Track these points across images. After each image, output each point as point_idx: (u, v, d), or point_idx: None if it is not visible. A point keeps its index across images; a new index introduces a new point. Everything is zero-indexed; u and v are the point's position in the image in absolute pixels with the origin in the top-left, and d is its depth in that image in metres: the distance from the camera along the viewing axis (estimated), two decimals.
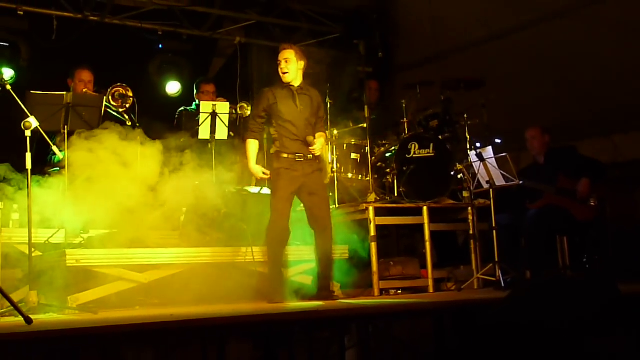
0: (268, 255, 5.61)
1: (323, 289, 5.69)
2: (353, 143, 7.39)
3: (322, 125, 5.98)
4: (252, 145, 5.75)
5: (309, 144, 5.64)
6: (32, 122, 5.06)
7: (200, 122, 6.65)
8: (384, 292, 6.57)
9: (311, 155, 5.68)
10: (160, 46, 8.87)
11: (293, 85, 5.76)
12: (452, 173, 7.18)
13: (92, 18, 8.41)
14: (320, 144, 5.75)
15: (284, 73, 5.74)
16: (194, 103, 7.38)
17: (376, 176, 7.17)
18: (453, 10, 8.78)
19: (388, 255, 6.95)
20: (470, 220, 7.02)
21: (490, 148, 6.37)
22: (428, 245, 6.77)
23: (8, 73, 7.46)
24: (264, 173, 5.72)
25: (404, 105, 7.44)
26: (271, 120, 5.75)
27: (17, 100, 5.26)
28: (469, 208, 7.04)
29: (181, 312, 4.53)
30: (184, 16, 8.84)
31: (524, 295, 3.71)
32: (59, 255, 5.29)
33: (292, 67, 5.75)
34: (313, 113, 5.79)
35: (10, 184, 5.68)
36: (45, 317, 4.76)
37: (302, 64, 5.81)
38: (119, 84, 6.71)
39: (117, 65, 7.77)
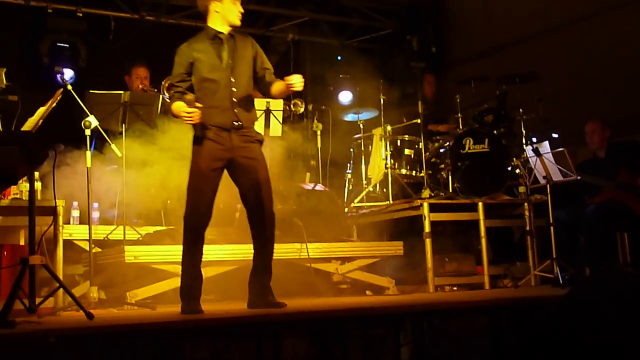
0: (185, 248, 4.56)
1: (261, 295, 4.51)
2: (407, 139, 7.38)
3: None
4: None
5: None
6: (92, 121, 5.18)
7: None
8: (439, 288, 6.54)
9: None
10: None
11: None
12: (508, 168, 7.08)
13: (148, 18, 8.56)
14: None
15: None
16: None
17: (430, 172, 7.14)
18: (507, 3, 8.65)
19: (443, 252, 6.90)
20: (526, 216, 6.92)
21: (547, 143, 6.25)
22: (484, 241, 6.70)
23: (68, 73, 7.63)
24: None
25: (458, 100, 7.38)
26: None
27: (77, 100, 5.38)
28: (525, 204, 6.93)
29: (237, 309, 4.58)
30: None
31: (585, 293, 3.63)
32: (117, 252, 5.39)
33: None
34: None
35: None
36: (106, 312, 4.86)
37: None
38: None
39: (173, 63, 7.87)
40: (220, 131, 4.49)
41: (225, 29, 4.62)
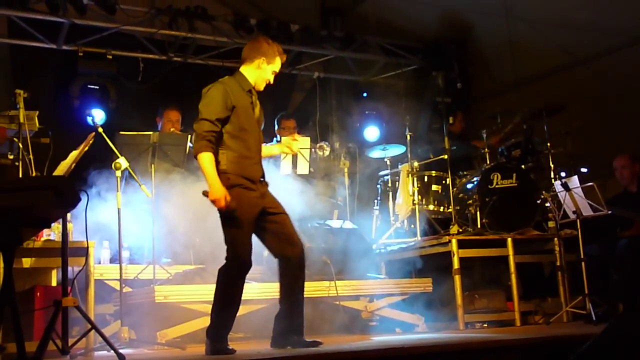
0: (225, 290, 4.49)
1: (295, 333, 4.53)
2: (434, 175, 7.37)
3: None
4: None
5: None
6: (122, 162, 5.25)
7: (282, 157, 6.74)
8: (469, 325, 6.46)
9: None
10: None
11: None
12: (537, 203, 7.03)
13: (176, 59, 8.71)
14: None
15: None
16: (274, 139, 7.49)
17: (458, 207, 7.10)
18: (533, 38, 8.65)
19: (472, 288, 6.84)
20: (557, 252, 6.86)
21: (575, 177, 6.21)
22: (514, 277, 6.63)
23: (99, 116, 7.78)
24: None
25: (484, 135, 7.37)
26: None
27: (107, 142, 5.46)
28: (555, 239, 6.87)
29: (267, 350, 4.57)
30: None
31: (621, 330, 3.57)
32: (148, 292, 5.41)
33: None
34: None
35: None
36: (136, 353, 4.87)
37: None
38: None
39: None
40: (250, 181, 4.47)
41: (253, 84, 4.63)
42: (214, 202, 4.30)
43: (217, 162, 4.39)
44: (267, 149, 4.89)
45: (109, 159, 5.56)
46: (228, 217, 4.36)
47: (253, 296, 5.62)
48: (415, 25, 9.43)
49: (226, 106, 4.41)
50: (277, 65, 4.62)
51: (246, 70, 4.61)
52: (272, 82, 4.65)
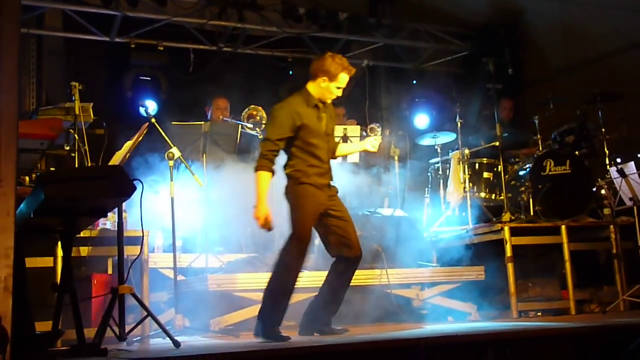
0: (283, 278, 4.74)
1: (324, 323, 4.87)
2: (485, 162, 7.29)
3: None
4: None
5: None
6: (175, 152, 5.31)
7: None
8: (522, 314, 6.40)
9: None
10: (291, 72, 9.09)
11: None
12: (592, 190, 6.89)
13: (225, 49, 8.78)
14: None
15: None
16: None
17: (510, 195, 7.02)
18: (586, 21, 8.47)
19: (526, 275, 6.76)
20: (612, 239, 6.72)
21: (632, 163, 6.08)
22: (568, 265, 6.54)
23: (152, 106, 7.89)
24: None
25: (536, 122, 7.25)
26: None
27: (160, 132, 5.54)
28: (611, 226, 6.73)
29: (319, 338, 4.59)
30: (312, 42, 9.04)
31: None
32: (201, 280, 5.48)
33: None
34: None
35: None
36: (191, 340, 4.95)
37: None
38: (252, 106, 6.83)
39: (250, 92, 8.00)
40: (318, 186, 4.72)
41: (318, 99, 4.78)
42: (256, 219, 4.59)
43: (289, 166, 4.70)
44: (347, 147, 5.18)
45: (161, 149, 5.63)
46: (295, 205, 4.66)
47: (304, 284, 5.62)
48: (465, 11, 9.30)
49: (291, 127, 4.63)
50: (341, 81, 4.73)
51: (312, 86, 4.78)
52: (340, 95, 4.79)
